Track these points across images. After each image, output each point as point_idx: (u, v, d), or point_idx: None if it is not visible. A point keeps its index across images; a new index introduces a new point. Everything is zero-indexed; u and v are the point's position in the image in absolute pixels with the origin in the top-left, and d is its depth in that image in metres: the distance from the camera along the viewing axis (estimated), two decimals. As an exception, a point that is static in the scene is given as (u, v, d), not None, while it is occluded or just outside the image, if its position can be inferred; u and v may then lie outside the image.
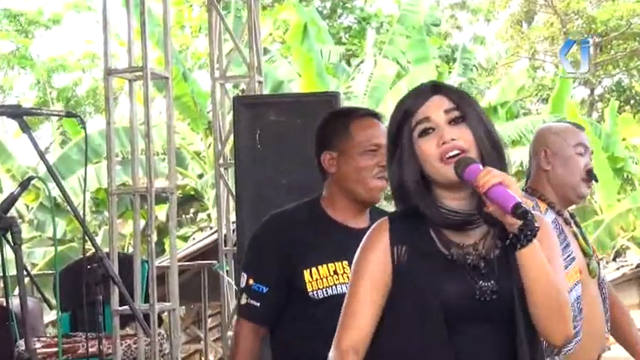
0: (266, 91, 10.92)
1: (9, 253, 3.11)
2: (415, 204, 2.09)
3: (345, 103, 15.02)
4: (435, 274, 2.04)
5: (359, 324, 2.11)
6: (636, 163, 19.20)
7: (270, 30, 21.39)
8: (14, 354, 4.18)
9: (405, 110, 2.13)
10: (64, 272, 6.46)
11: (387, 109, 16.12)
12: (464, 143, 2.07)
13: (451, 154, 2.06)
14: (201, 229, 18.82)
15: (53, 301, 6.20)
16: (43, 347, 5.75)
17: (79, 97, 25.01)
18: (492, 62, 20.23)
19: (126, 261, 6.03)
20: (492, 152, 2.09)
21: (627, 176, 19.46)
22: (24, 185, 3.43)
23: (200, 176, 17.91)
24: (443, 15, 26.09)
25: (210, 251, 9.59)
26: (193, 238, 16.62)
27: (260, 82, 6.72)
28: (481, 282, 2.04)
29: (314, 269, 2.90)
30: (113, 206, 5.99)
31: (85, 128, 3.60)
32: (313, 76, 15.83)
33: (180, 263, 7.40)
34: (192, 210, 19.84)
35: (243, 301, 2.95)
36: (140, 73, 5.94)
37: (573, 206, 3.44)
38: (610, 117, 18.23)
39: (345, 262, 2.89)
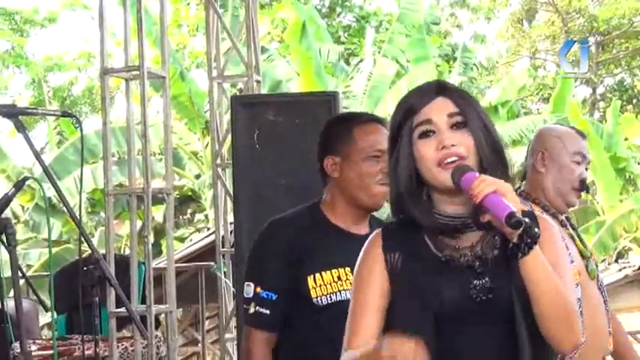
0: (264, 91, 10.93)
1: (4, 254, 3.11)
2: (411, 214, 2.08)
3: (344, 103, 15.04)
4: (429, 276, 2.03)
5: (366, 330, 2.11)
6: (639, 164, 19.21)
7: (268, 29, 21.40)
8: (9, 356, 4.17)
9: (408, 109, 2.12)
10: (59, 274, 6.46)
11: (386, 108, 16.13)
12: (464, 150, 2.05)
13: (449, 160, 2.04)
14: (198, 230, 18.83)
15: (49, 303, 6.20)
16: (38, 350, 5.74)
17: (75, 96, 25.03)
18: (493, 61, 20.24)
19: (122, 262, 6.03)
20: (493, 159, 2.07)
21: (629, 176, 19.47)
22: (19, 186, 3.43)
23: (197, 176, 17.91)
24: (443, 13, 26.13)
25: (207, 253, 9.59)
26: (190, 240, 16.62)
27: (258, 82, 6.72)
28: (475, 281, 2.03)
29: (318, 275, 2.90)
30: (109, 207, 5.98)
31: (80, 128, 3.60)
32: (312, 76, 15.83)
33: (177, 265, 7.39)
34: (189, 211, 19.84)
35: (252, 310, 2.92)
36: (137, 73, 5.94)
37: (574, 206, 3.44)
38: (612, 117, 18.24)
39: (348, 269, 2.89)
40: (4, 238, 3.07)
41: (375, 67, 17.28)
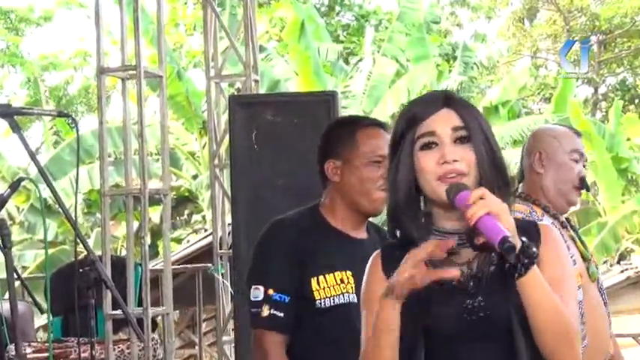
0: (262, 90, 10.92)
1: (-1, 255, 3.12)
2: (407, 230, 2.07)
3: (343, 103, 15.04)
4: (423, 296, 2.02)
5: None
6: (641, 164, 19.22)
7: (266, 27, 21.41)
8: (4, 359, 4.18)
9: (411, 118, 2.10)
10: (55, 275, 6.46)
11: (386, 108, 16.16)
12: (465, 166, 2.03)
13: (450, 176, 2.03)
14: (195, 232, 18.83)
15: (44, 305, 6.20)
16: (33, 352, 5.74)
17: (71, 95, 25.03)
18: (494, 60, 20.24)
19: (119, 264, 6.03)
20: (493, 176, 2.05)
21: (632, 177, 19.49)
22: (14, 186, 3.44)
23: (195, 177, 17.91)
24: (443, 12, 26.14)
25: (205, 254, 9.59)
26: (188, 241, 16.62)
27: (256, 81, 6.72)
28: (468, 300, 2.03)
29: (321, 277, 2.91)
30: (106, 208, 5.98)
31: (76, 128, 3.60)
32: (310, 75, 15.84)
33: (174, 266, 7.40)
34: (186, 212, 19.85)
35: (265, 312, 2.89)
36: (133, 72, 5.94)
37: (575, 207, 3.45)
38: (614, 117, 18.25)
39: (350, 272, 2.91)
40: (-1, 239, 3.07)
41: (375, 67, 17.29)
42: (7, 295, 3.31)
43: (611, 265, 16.08)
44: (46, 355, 5.67)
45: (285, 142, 5.10)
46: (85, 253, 3.54)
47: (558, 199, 3.32)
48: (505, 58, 23.46)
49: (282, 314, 2.89)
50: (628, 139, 19.07)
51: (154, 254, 14.65)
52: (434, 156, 2.05)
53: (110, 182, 6.82)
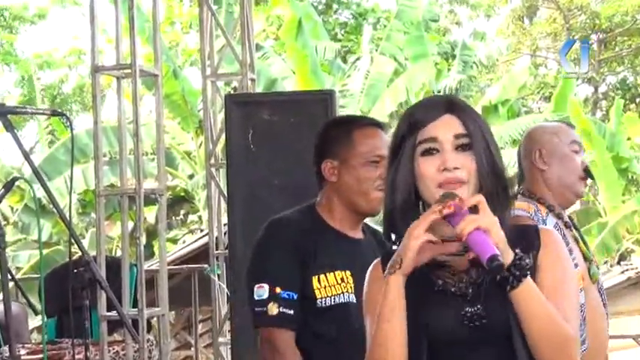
0: (259, 89, 10.91)
1: (-8, 256, 3.11)
2: (402, 233, 2.06)
3: (340, 102, 15.04)
4: (422, 303, 2.03)
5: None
6: (642, 164, 19.24)
7: (263, 26, 21.41)
8: (-2, 361, 4.18)
9: (413, 122, 2.10)
10: (49, 276, 6.45)
11: (384, 107, 16.16)
12: (465, 174, 2.04)
13: (450, 183, 2.03)
14: (191, 232, 18.83)
15: (38, 307, 6.19)
16: (27, 354, 5.74)
17: (65, 94, 25.02)
18: (493, 59, 20.26)
19: (114, 265, 6.03)
20: (492, 185, 2.06)
21: (632, 177, 19.51)
22: (8, 187, 3.44)
23: (190, 177, 17.91)
24: (442, 10, 26.14)
25: (201, 254, 9.59)
26: (183, 241, 16.61)
27: (253, 80, 6.72)
28: (467, 308, 2.03)
29: (322, 276, 2.92)
30: (100, 208, 5.98)
31: (71, 127, 3.61)
32: (308, 74, 15.85)
33: (169, 267, 7.39)
34: (182, 212, 19.85)
35: (274, 311, 2.89)
36: (129, 71, 5.94)
37: (575, 207, 3.45)
38: (615, 116, 18.26)
39: (349, 272, 2.92)
40: (-7, 239, 3.07)
41: (373, 65, 17.30)
42: (0, 296, 3.31)
43: (611, 266, 16.09)
44: (40, 356, 5.67)
45: (282, 141, 5.11)
46: (80, 253, 3.54)
47: (565, 192, 3.33)
48: (504, 57, 23.50)
49: (291, 311, 2.89)
50: (628, 139, 19.09)
51: (150, 255, 14.64)
52: (434, 162, 2.05)
53: (105, 182, 6.83)
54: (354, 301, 2.86)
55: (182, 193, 18.72)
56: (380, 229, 3.07)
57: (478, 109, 13.91)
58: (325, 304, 2.91)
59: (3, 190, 3.38)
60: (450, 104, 2.11)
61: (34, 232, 16.43)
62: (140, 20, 10.06)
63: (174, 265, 9.58)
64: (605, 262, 17.05)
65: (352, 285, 2.91)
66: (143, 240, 5.99)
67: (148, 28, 11.19)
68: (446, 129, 2.07)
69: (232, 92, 11.68)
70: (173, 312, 10.90)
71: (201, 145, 16.36)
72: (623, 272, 13.60)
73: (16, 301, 6.72)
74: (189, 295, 8.30)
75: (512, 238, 2.02)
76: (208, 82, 6.86)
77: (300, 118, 5.07)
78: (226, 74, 7.38)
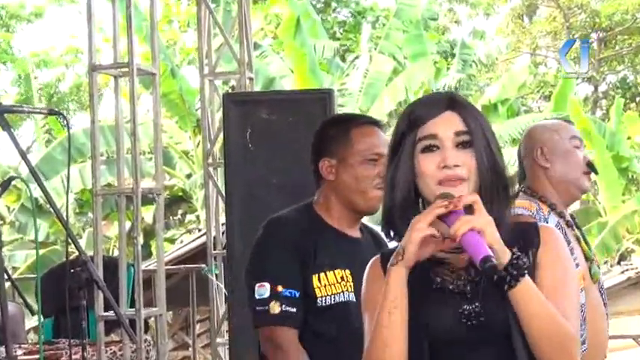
0: (257, 88, 10.93)
1: (-11, 256, 3.11)
2: (401, 231, 2.05)
3: (339, 101, 15.07)
4: (421, 302, 2.03)
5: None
6: (642, 163, 19.25)
7: (261, 24, 21.41)
8: (-6, 361, 4.18)
9: (413, 119, 2.09)
10: (46, 276, 6.45)
11: (382, 106, 16.16)
12: (465, 172, 2.03)
13: (450, 180, 2.03)
14: (189, 232, 18.83)
15: (35, 307, 6.20)
16: (24, 354, 5.74)
17: (62, 93, 25.01)
18: (492, 58, 20.24)
19: (111, 264, 6.03)
20: (493, 182, 2.06)
21: (632, 176, 19.51)
22: (4, 186, 3.44)
23: (188, 176, 17.91)
24: (441, 9, 26.13)
25: (198, 254, 9.60)
26: (181, 241, 16.63)
27: (251, 79, 6.72)
28: (465, 305, 2.03)
29: (322, 275, 2.92)
30: (98, 207, 5.98)
31: (68, 126, 3.61)
32: (306, 73, 15.84)
33: (167, 267, 7.40)
34: (180, 211, 19.84)
35: (276, 309, 2.88)
36: (126, 69, 5.93)
37: (575, 207, 3.46)
38: (615, 115, 18.27)
39: (348, 271, 2.92)
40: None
41: (372, 64, 17.29)
42: (-3, 296, 3.31)
43: (611, 266, 16.11)
44: (36, 357, 5.66)
45: (281, 140, 5.10)
46: (77, 253, 3.54)
47: (570, 188, 3.33)
48: (504, 56, 23.50)
49: (294, 309, 2.88)
50: (629, 138, 19.10)
51: (147, 254, 14.64)
52: (435, 159, 2.05)
53: (102, 181, 6.82)
54: (354, 300, 2.86)
55: (180, 193, 18.72)
56: (377, 228, 3.09)
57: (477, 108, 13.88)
58: (325, 303, 2.91)
59: (0, 189, 3.38)
60: (451, 101, 2.10)
61: (30, 231, 16.42)
62: (138, 19, 10.07)
63: (172, 265, 9.59)
64: (605, 262, 17.05)
65: (352, 284, 2.91)
66: (140, 240, 5.99)
67: (146, 26, 11.18)
68: (446, 126, 2.06)
69: (230, 91, 11.69)
70: (171, 312, 10.91)
71: (198, 144, 16.35)
72: (623, 272, 13.60)
73: (12, 301, 6.73)
74: (187, 295, 8.30)
75: (512, 236, 2.02)
76: (206, 81, 6.86)
77: (298, 117, 5.07)
78: (224, 73, 7.38)
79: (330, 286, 2.91)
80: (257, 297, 2.91)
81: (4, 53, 24.22)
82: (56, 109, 3.63)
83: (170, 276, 8.17)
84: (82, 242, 15.23)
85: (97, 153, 6.05)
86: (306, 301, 2.90)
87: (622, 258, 18.67)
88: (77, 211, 18.14)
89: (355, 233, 3.03)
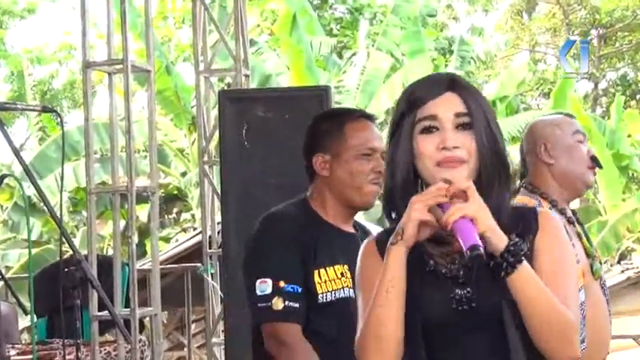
0: (253, 85, 10.92)
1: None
2: (402, 212, 2.05)
3: (336, 98, 15.05)
4: (414, 285, 2.03)
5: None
6: (642, 161, 19.25)
7: (257, 21, 21.40)
8: (-13, 361, 4.18)
9: (413, 100, 2.08)
10: (39, 275, 6.46)
11: (380, 103, 16.16)
12: (465, 153, 2.03)
13: (449, 162, 2.03)
14: (184, 230, 18.82)
15: (28, 306, 6.19)
16: (17, 355, 5.75)
17: (56, 90, 24.98)
18: (491, 55, 20.26)
19: (105, 263, 6.03)
20: (493, 164, 2.05)
21: (633, 174, 19.52)
22: (-3, 184, 3.43)
23: (183, 174, 17.90)
24: (439, 5, 26.10)
25: (194, 253, 9.60)
26: (176, 240, 16.61)
27: (247, 76, 6.72)
28: (457, 290, 2.03)
29: (322, 270, 2.93)
30: (92, 206, 5.98)
31: (62, 124, 3.61)
32: (303, 70, 15.83)
33: (162, 266, 7.39)
34: (175, 210, 19.84)
35: (279, 305, 2.87)
36: (120, 66, 5.93)
37: (575, 206, 3.46)
38: (616, 112, 18.28)
39: (347, 267, 2.92)
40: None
41: (369, 61, 17.28)
42: (-10, 296, 3.31)
43: (611, 265, 16.11)
44: (30, 357, 5.67)
45: (277, 138, 5.11)
46: (71, 252, 3.54)
47: (575, 183, 3.33)
48: (503, 53, 23.49)
49: (297, 305, 2.88)
50: (629, 136, 19.10)
51: (142, 254, 14.63)
52: (434, 140, 2.04)
53: (96, 180, 6.83)
54: (353, 296, 2.87)
55: (175, 191, 18.71)
56: (371, 225, 3.09)
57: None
58: (326, 299, 2.91)
59: (-8, 187, 3.37)
60: (451, 82, 2.10)
61: (23, 230, 16.41)
62: (132, 15, 10.05)
63: (167, 264, 9.59)
64: (606, 262, 17.06)
65: (351, 280, 2.91)
66: (135, 239, 5.99)
67: (140, 23, 11.18)
68: (446, 107, 2.06)
69: (226, 88, 11.68)
70: (166, 312, 10.90)
71: (194, 142, 16.37)
72: (623, 272, 13.61)
73: (5, 300, 6.73)
74: (182, 294, 8.30)
75: (510, 222, 2.03)
76: (201, 78, 6.86)
77: (294, 115, 5.07)
78: (220, 70, 7.39)
79: (331, 282, 2.92)
80: (259, 293, 2.90)
81: (-3, 50, 24.21)
82: (50, 107, 3.63)
83: (165, 275, 8.16)
84: (76, 241, 15.23)
85: (91, 151, 6.04)
86: (308, 297, 2.90)
87: (622, 257, 18.70)
88: (71, 209, 18.13)
89: (350, 229, 3.04)
